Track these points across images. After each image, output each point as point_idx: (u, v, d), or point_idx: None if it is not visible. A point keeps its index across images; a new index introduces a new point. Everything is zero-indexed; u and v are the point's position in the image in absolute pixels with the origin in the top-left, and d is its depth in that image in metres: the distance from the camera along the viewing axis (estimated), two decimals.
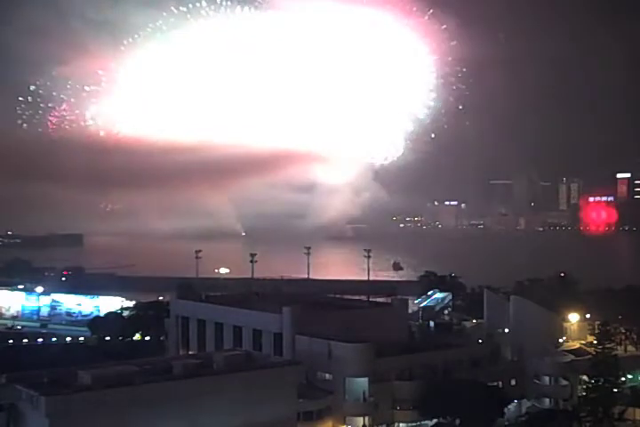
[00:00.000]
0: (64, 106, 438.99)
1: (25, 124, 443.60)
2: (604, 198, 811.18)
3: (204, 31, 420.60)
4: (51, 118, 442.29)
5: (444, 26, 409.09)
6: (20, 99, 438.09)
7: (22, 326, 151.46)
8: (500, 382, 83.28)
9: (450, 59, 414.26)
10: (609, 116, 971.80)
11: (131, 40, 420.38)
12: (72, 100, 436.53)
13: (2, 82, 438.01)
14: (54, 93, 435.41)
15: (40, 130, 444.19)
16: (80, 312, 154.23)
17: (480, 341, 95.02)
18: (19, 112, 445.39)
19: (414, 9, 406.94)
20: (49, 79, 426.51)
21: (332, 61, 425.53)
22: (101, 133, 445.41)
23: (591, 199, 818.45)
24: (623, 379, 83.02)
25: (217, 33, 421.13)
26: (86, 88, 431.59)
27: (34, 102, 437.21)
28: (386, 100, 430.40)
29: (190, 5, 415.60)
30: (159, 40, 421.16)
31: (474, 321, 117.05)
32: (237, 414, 65.04)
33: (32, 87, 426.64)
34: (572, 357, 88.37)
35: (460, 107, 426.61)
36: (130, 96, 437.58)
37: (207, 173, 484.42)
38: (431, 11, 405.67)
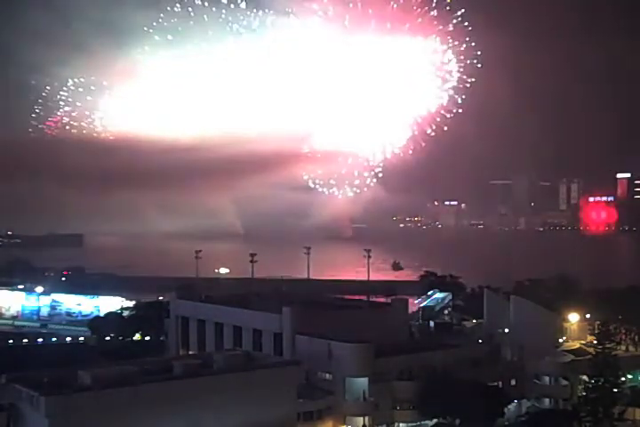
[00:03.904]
0: (65, 106, 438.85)
1: (26, 125, 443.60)
2: (603, 198, 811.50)
3: (205, 31, 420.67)
4: (52, 118, 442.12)
5: (445, 27, 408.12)
6: (21, 99, 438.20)
7: (23, 326, 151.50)
8: (500, 382, 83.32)
9: (451, 59, 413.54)
10: (609, 116, 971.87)
11: (132, 40, 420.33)
12: (73, 100, 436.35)
13: (2, 82, 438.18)
14: (55, 94, 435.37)
15: (41, 130, 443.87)
16: (80, 312, 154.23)
17: (480, 341, 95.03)
18: (19, 112, 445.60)
19: (417, 10, 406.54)
20: (49, 80, 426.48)
21: (334, 61, 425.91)
22: (102, 133, 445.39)
23: (591, 199, 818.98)
24: (623, 379, 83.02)
25: (218, 33, 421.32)
26: (87, 88, 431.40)
27: (35, 103, 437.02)
28: (387, 101, 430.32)
29: (190, 6, 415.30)
30: (160, 40, 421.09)
31: (474, 321, 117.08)
32: (237, 414, 65.07)
33: (33, 88, 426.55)
34: (572, 357, 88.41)
35: (461, 107, 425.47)
36: (131, 96, 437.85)
37: (208, 172, 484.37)
38: (434, 12, 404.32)
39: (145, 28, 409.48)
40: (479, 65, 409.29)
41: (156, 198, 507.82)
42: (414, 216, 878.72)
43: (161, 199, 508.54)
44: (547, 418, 77.52)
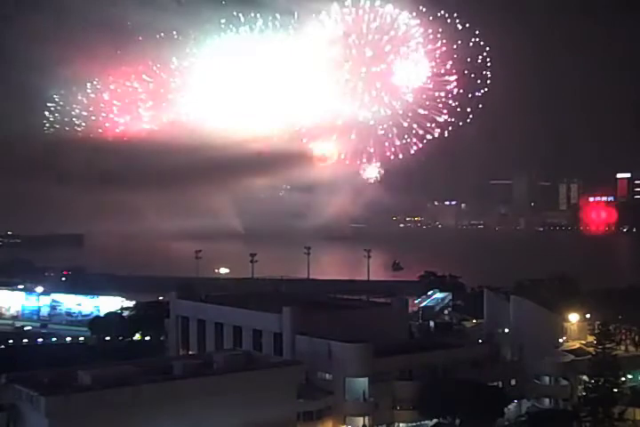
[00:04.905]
0: (64, 106, 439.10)
1: (24, 125, 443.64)
2: (603, 198, 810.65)
3: (205, 30, 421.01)
4: (51, 118, 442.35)
5: (450, 26, 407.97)
6: (20, 99, 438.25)
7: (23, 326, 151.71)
8: (500, 382, 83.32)
9: (452, 59, 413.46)
10: (609, 116, 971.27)
11: (131, 40, 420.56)
12: (73, 100, 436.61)
13: (3, 83, 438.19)
14: (55, 93, 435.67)
15: (41, 130, 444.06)
16: (80, 312, 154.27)
17: (480, 341, 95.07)
18: (18, 112, 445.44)
19: (422, 9, 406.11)
20: (49, 80, 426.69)
21: (334, 58, 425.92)
22: (102, 133, 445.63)
23: (591, 199, 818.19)
24: (623, 379, 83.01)
25: (218, 31, 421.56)
26: (87, 88, 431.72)
27: (34, 103, 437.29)
28: (387, 99, 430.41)
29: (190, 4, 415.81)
30: (160, 40, 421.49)
31: (474, 321, 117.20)
32: (237, 414, 65.08)
33: (31, 88, 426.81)
34: (572, 357, 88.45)
35: (462, 107, 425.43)
36: (131, 96, 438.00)
37: (208, 172, 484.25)
38: (441, 11, 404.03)
39: (145, 27, 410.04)
40: (488, 69, 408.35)
41: (156, 198, 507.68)
42: (414, 216, 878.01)
43: (161, 199, 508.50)
44: (547, 418, 77.59)
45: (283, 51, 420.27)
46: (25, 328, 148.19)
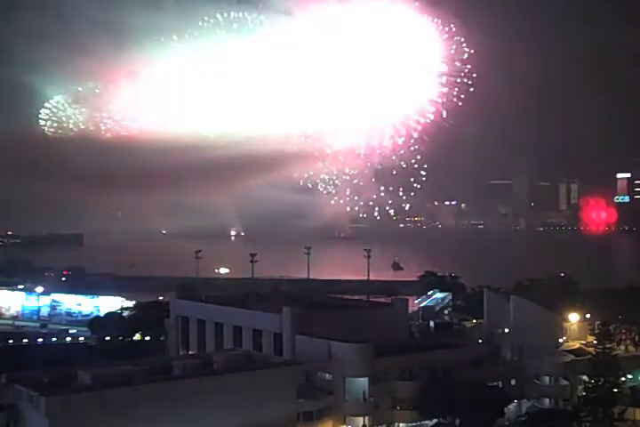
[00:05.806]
0: (64, 106, 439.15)
1: (25, 125, 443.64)
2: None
3: (205, 29, 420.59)
4: (51, 118, 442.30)
5: (447, 23, 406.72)
6: (20, 99, 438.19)
7: (23, 326, 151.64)
8: (500, 382, 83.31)
9: (452, 57, 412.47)
10: (609, 115, 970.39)
11: (131, 40, 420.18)
12: (72, 99, 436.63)
13: (1, 82, 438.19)
14: (54, 93, 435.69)
15: (40, 130, 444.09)
16: (80, 312, 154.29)
17: (480, 341, 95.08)
18: (18, 112, 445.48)
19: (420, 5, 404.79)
20: (48, 79, 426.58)
21: (333, 60, 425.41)
22: (102, 133, 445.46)
23: (591, 199, 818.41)
24: (623, 379, 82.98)
25: (219, 30, 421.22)
26: (87, 88, 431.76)
27: (34, 102, 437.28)
28: (386, 100, 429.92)
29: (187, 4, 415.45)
30: (159, 39, 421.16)
31: (474, 321, 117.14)
32: (237, 414, 65.09)
33: (32, 87, 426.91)
34: (572, 357, 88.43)
35: (461, 107, 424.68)
36: (131, 96, 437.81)
37: (207, 172, 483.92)
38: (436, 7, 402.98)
39: (143, 29, 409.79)
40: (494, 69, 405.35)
41: (156, 198, 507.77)
42: (414, 216, 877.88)
43: (161, 199, 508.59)
44: (547, 418, 77.52)
45: (279, 49, 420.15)
46: (70, 331, 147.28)
